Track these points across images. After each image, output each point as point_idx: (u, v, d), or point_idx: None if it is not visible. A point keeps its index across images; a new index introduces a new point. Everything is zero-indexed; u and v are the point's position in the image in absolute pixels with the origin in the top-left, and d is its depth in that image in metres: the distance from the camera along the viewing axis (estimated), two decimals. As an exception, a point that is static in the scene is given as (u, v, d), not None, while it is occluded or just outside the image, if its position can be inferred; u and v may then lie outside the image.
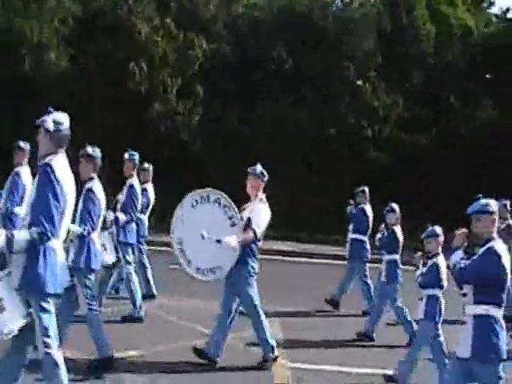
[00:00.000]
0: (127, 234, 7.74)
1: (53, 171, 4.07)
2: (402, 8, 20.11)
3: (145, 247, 9.04)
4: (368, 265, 9.38)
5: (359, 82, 19.53)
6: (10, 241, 3.92)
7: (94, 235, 5.80)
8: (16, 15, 19.79)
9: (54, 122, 4.20)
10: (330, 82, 19.17)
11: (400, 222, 8.01)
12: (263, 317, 6.20)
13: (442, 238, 6.07)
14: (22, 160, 7.81)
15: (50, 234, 4.01)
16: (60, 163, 4.18)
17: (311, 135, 18.99)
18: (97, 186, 5.87)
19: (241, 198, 6.27)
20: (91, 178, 5.87)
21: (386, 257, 7.86)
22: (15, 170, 7.78)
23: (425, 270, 6.06)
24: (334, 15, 20.62)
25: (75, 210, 4.94)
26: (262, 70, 19.82)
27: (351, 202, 9.68)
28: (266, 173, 6.31)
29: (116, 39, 18.58)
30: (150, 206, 9.25)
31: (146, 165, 9.21)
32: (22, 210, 7.55)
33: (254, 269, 6.13)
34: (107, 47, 18.62)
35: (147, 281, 8.89)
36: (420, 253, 6.27)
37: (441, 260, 6.02)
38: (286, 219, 16.85)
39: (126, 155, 7.98)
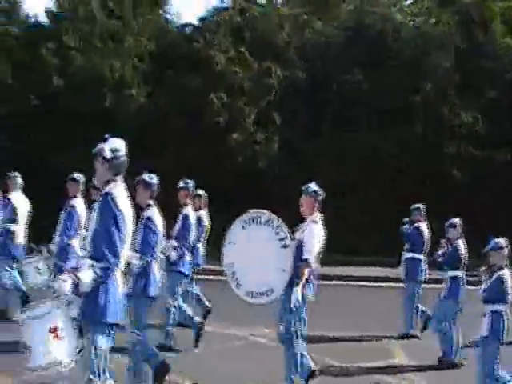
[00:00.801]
0: (181, 263, 7.64)
1: (114, 200, 4.02)
2: (477, 24, 19.79)
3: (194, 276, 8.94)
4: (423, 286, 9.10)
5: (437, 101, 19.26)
6: (76, 285, 3.83)
7: (154, 264, 5.83)
8: (95, 54, 20.52)
9: (111, 149, 4.16)
10: (407, 102, 18.95)
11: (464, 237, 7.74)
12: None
13: (506, 251, 5.81)
14: (76, 192, 7.95)
15: (113, 267, 3.96)
16: (119, 191, 4.13)
17: (387, 156, 18.75)
18: (155, 213, 5.88)
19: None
20: (148, 205, 5.90)
21: (449, 273, 7.58)
22: (70, 202, 7.91)
23: (488, 284, 5.78)
24: (407, 35, 20.45)
25: (134, 238, 4.89)
26: (334, 92, 19.75)
27: (405, 220, 9.41)
28: (320, 191, 6.08)
29: (193, 71, 18.94)
30: (206, 234, 9.23)
31: (200, 192, 9.16)
32: (77, 242, 7.78)
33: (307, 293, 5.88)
34: (184, 79, 19.00)
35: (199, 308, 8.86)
36: (484, 267, 5.99)
37: (506, 274, 5.74)
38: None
39: (181, 183, 7.94)
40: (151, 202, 5.94)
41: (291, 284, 5.73)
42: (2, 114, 19.36)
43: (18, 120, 19.63)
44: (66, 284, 3.79)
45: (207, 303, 9.00)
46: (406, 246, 9.36)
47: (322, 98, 19.41)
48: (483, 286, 5.86)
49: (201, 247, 9.17)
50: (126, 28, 20.96)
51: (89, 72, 19.91)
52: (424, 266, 9.12)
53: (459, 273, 7.59)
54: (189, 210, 7.77)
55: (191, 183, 7.98)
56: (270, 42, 20.42)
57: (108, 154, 4.14)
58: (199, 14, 21.89)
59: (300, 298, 5.74)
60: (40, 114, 19.57)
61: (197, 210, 8.68)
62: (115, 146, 4.20)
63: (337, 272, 14.49)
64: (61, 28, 21.23)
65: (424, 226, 9.17)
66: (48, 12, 22.86)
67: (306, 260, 5.73)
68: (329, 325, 8.92)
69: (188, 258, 7.80)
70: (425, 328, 8.89)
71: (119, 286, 4.07)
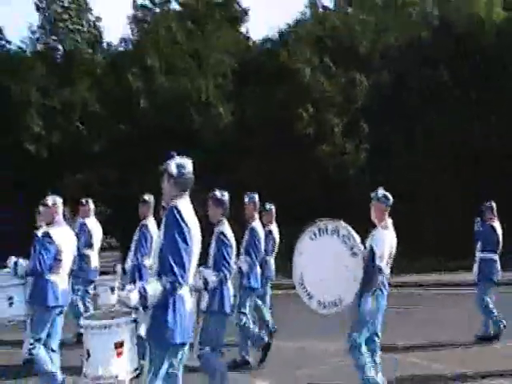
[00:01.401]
0: (251, 278, 7.52)
1: (180, 213, 3.93)
2: None
3: (269, 290, 9.00)
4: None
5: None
6: (143, 297, 3.74)
7: (229, 279, 5.83)
8: (178, 74, 20.70)
9: (177, 166, 4.11)
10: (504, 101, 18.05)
11: None
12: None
13: None
14: (147, 212, 7.99)
15: (181, 281, 3.84)
16: (185, 205, 4.05)
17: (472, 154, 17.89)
18: (227, 228, 5.87)
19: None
20: (220, 221, 5.89)
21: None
22: (142, 222, 7.94)
23: None
24: (497, 31, 19.54)
25: (205, 254, 4.78)
26: (422, 94, 19.06)
27: (477, 219, 9.01)
28: (389, 197, 5.89)
29: (277, 84, 18.75)
30: (276, 248, 9.14)
31: (268, 205, 9.04)
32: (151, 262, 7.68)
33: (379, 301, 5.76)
34: (269, 93, 18.84)
35: (266, 324, 8.70)
36: None
37: None
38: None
39: (246, 198, 7.79)
40: (223, 218, 5.93)
41: (361, 292, 5.64)
42: (94, 142, 19.80)
43: (108, 146, 20.07)
44: (132, 295, 3.72)
45: (271, 325, 8.85)
46: (478, 246, 8.92)
47: (411, 104, 18.77)
48: None
49: (271, 261, 9.10)
50: (208, 47, 21.04)
51: (173, 92, 20.10)
52: (498, 266, 8.71)
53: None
54: (256, 224, 7.68)
55: (256, 196, 7.87)
56: (352, 50, 19.98)
57: (174, 171, 4.10)
58: (277, 27, 21.73)
59: (373, 307, 5.68)
60: (127, 137, 19.90)
61: (266, 224, 8.59)
62: (181, 162, 4.15)
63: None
64: (143, 51, 21.57)
65: (497, 224, 8.75)
66: (126, 39, 23.41)
67: (378, 267, 5.63)
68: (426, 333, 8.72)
69: (258, 271, 7.73)
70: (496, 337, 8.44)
71: (187, 302, 3.98)
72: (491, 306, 8.54)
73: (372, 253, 5.63)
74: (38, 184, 17.72)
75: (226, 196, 5.92)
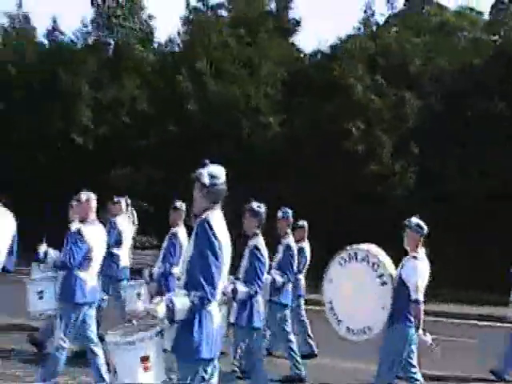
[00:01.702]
0: (283, 294, 7.51)
1: (211, 228, 3.78)
2: None
3: (302, 307, 9.01)
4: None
5: None
6: (171, 310, 3.61)
7: (260, 294, 5.80)
8: (228, 80, 20.91)
9: (210, 175, 3.91)
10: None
11: None
12: None
13: None
14: (178, 220, 7.92)
15: (210, 297, 3.72)
16: (216, 218, 3.89)
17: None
18: (261, 243, 5.82)
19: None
20: (255, 234, 5.84)
21: None
22: (172, 230, 7.92)
23: None
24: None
25: (234, 266, 4.71)
26: (474, 119, 19.09)
27: None
28: (423, 225, 5.77)
29: (328, 98, 18.90)
30: (307, 265, 9.14)
31: (301, 222, 9.00)
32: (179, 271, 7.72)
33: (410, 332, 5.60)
34: (319, 107, 19.00)
35: (306, 340, 8.76)
36: None
37: None
38: None
39: (280, 213, 7.73)
40: (258, 231, 5.87)
41: (390, 321, 5.62)
42: (142, 143, 20.04)
43: (155, 145, 20.30)
44: (159, 308, 3.61)
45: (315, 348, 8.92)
46: None
47: (459, 128, 18.82)
48: None
49: (302, 279, 9.12)
50: (259, 55, 21.22)
51: (222, 97, 20.28)
52: None
53: None
54: (290, 240, 7.63)
55: (290, 213, 7.82)
56: (403, 69, 20.09)
57: (206, 180, 3.91)
58: (326, 40, 21.90)
59: (401, 342, 5.56)
60: (174, 138, 20.12)
61: (298, 241, 8.49)
62: (214, 172, 3.95)
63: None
64: (194, 53, 21.79)
65: None
66: (177, 39, 23.66)
67: (416, 300, 5.52)
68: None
69: (290, 289, 7.74)
70: None
71: (215, 317, 3.85)
72: None
73: (402, 283, 5.60)
74: (84, 177, 17.94)
75: (262, 208, 5.85)
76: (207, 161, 3.99)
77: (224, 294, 4.83)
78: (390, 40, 20.54)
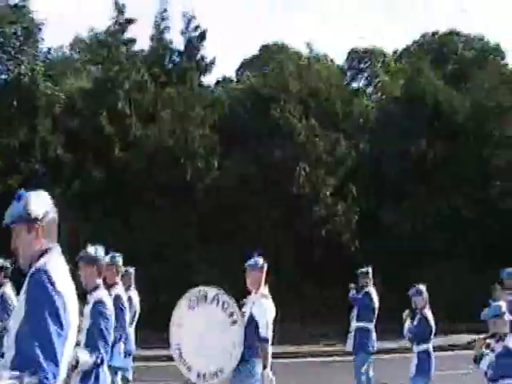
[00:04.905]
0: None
1: (50, 279, 2.61)
2: None
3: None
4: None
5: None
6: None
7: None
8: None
9: (38, 205, 2.76)
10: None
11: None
12: None
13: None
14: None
15: (51, 380, 2.49)
16: (57, 265, 2.73)
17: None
18: (105, 295, 4.85)
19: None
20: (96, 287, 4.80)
21: (416, 347, 7.03)
22: None
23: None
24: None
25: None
26: (404, 162, 19.90)
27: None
28: (264, 264, 5.69)
29: (273, 141, 18.69)
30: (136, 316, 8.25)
31: (130, 269, 8.04)
32: None
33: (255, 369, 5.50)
34: (263, 150, 18.70)
35: None
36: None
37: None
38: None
39: (107, 258, 6.09)
40: (99, 280, 4.81)
41: (242, 360, 5.48)
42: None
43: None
44: None
45: None
46: None
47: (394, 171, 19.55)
48: None
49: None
50: (186, 97, 20.37)
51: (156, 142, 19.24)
52: None
53: (428, 345, 7.07)
54: (120, 290, 6.72)
55: (120, 259, 6.90)
56: (332, 113, 20.50)
57: (38, 212, 2.74)
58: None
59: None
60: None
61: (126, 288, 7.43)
62: (39, 198, 2.81)
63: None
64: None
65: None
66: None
67: (265, 338, 5.46)
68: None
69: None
70: None
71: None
72: None
73: (254, 321, 5.52)
74: None
75: (100, 252, 4.76)
76: (22, 192, 2.80)
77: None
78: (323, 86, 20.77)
